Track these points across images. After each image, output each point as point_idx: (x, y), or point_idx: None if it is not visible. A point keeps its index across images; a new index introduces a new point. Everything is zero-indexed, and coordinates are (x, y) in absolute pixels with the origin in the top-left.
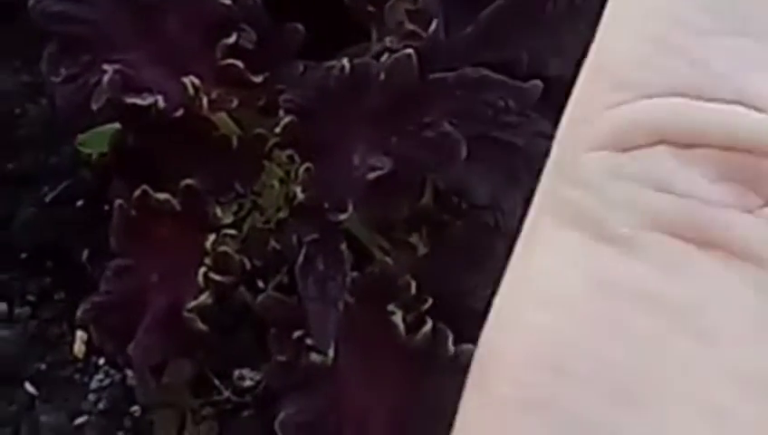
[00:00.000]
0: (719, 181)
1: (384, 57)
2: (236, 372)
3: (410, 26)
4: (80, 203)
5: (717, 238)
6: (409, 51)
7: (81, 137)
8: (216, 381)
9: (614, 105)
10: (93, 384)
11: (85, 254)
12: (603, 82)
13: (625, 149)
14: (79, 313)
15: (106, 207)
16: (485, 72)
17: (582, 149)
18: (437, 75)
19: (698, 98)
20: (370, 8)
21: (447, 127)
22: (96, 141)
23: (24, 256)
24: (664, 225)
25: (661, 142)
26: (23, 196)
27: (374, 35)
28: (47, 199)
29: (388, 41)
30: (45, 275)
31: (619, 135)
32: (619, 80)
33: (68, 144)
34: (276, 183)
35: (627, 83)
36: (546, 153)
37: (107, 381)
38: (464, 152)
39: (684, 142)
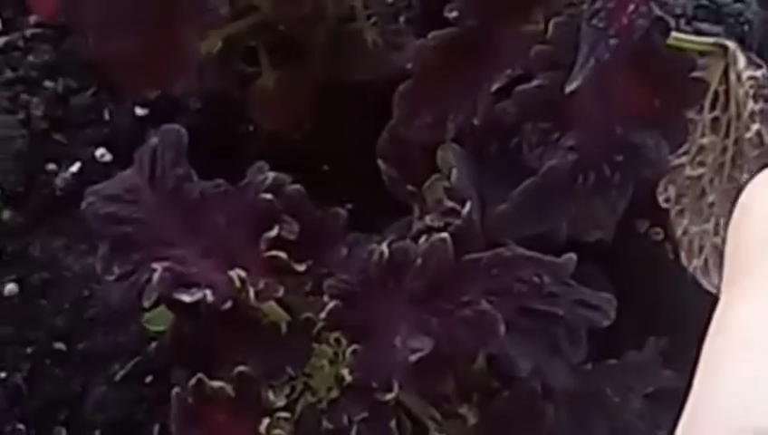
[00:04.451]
0: None
1: (422, 239)
2: None
3: (449, 204)
4: (148, 379)
5: None
6: (444, 235)
7: (146, 315)
8: None
9: None
10: None
11: (156, 429)
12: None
13: None
14: None
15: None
16: (519, 250)
17: None
18: (472, 256)
19: None
20: (410, 187)
21: (485, 305)
22: (162, 319)
23: (96, 433)
24: None
25: None
26: (94, 374)
27: (415, 212)
28: (117, 377)
29: (428, 219)
30: None
31: None
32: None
33: (135, 322)
34: (326, 364)
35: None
36: (586, 320)
37: None
38: (502, 329)
39: None
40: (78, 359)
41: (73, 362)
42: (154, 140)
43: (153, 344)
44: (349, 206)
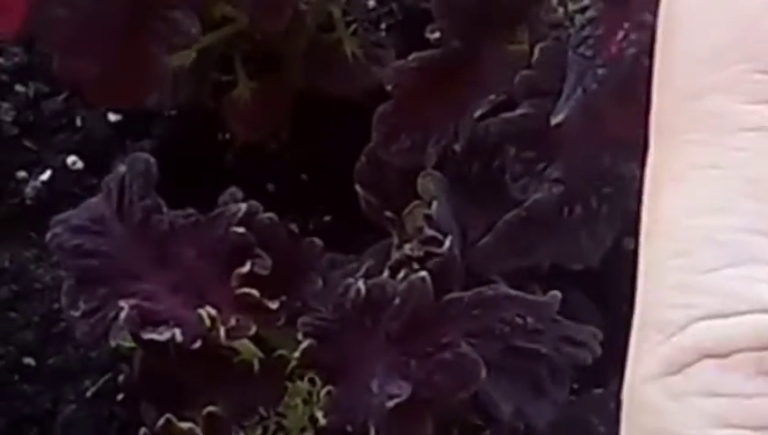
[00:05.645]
0: (757, 376)
1: (401, 274)
2: None
3: (430, 232)
4: (119, 397)
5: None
6: (424, 273)
7: None
8: None
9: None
10: None
11: None
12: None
13: (676, 372)
14: None
15: None
16: (502, 288)
17: (641, 383)
18: (453, 295)
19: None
20: (389, 214)
21: (465, 348)
22: None
23: None
24: (721, 421)
25: (704, 358)
26: (64, 391)
27: (395, 240)
28: (88, 394)
29: (408, 248)
30: None
31: (668, 363)
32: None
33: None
34: (300, 404)
35: (665, 324)
36: (570, 357)
37: None
38: (482, 374)
39: (721, 353)
40: (48, 375)
41: (43, 377)
42: (122, 169)
43: (123, 364)
44: (326, 218)
